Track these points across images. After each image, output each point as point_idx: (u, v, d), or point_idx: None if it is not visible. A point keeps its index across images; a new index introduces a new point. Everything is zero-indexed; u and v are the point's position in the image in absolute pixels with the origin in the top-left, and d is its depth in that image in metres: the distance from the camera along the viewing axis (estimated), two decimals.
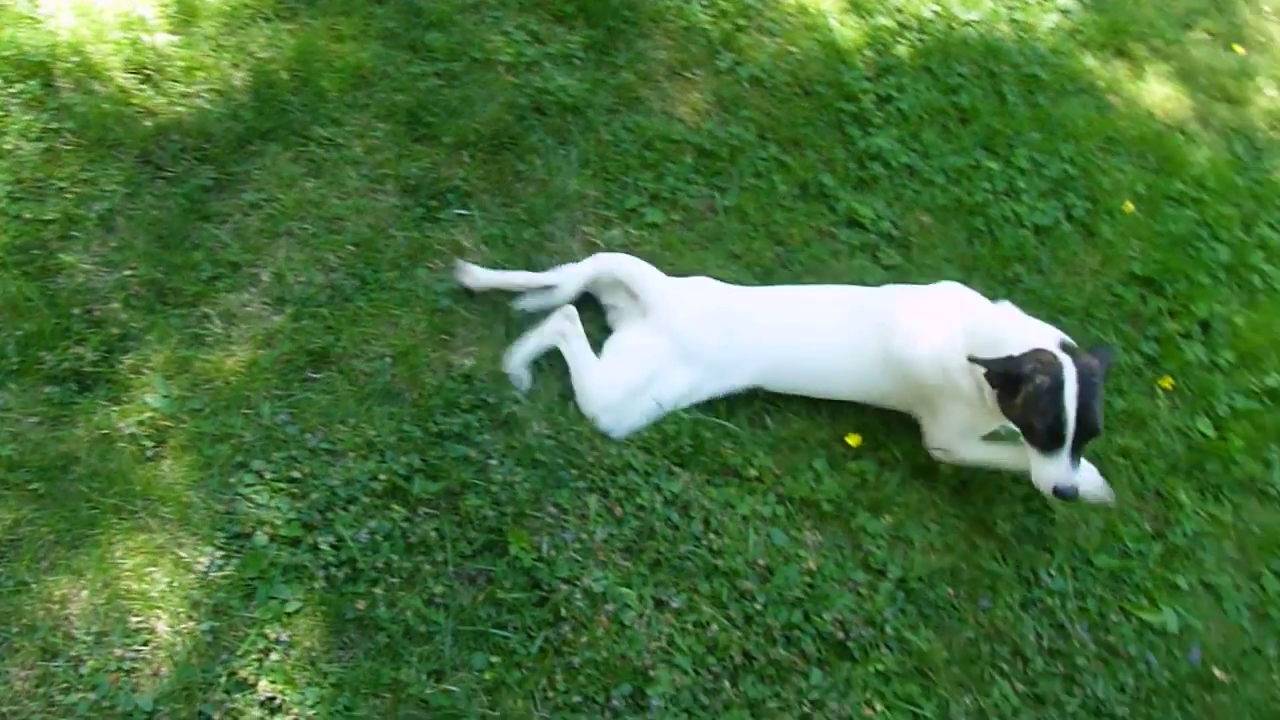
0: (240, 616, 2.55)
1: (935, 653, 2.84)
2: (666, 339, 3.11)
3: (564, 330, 3.13)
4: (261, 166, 3.44)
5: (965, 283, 3.67)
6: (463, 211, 3.47)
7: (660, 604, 2.77)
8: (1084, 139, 4.27)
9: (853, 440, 3.20)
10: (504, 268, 3.34)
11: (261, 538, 2.66)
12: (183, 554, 2.63)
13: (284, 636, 2.53)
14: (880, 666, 2.78)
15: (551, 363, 3.16)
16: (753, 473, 3.07)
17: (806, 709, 2.67)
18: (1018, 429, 2.88)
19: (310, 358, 3.03)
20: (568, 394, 3.11)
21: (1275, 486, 3.50)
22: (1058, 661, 2.95)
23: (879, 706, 2.72)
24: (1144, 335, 3.78)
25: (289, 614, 2.56)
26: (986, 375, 2.84)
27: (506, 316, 3.24)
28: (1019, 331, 2.92)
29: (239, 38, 3.72)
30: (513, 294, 3.27)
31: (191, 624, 2.53)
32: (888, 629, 2.84)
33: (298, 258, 3.26)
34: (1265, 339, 3.82)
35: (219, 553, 2.64)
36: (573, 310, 3.15)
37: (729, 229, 3.65)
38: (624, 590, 2.75)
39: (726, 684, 2.67)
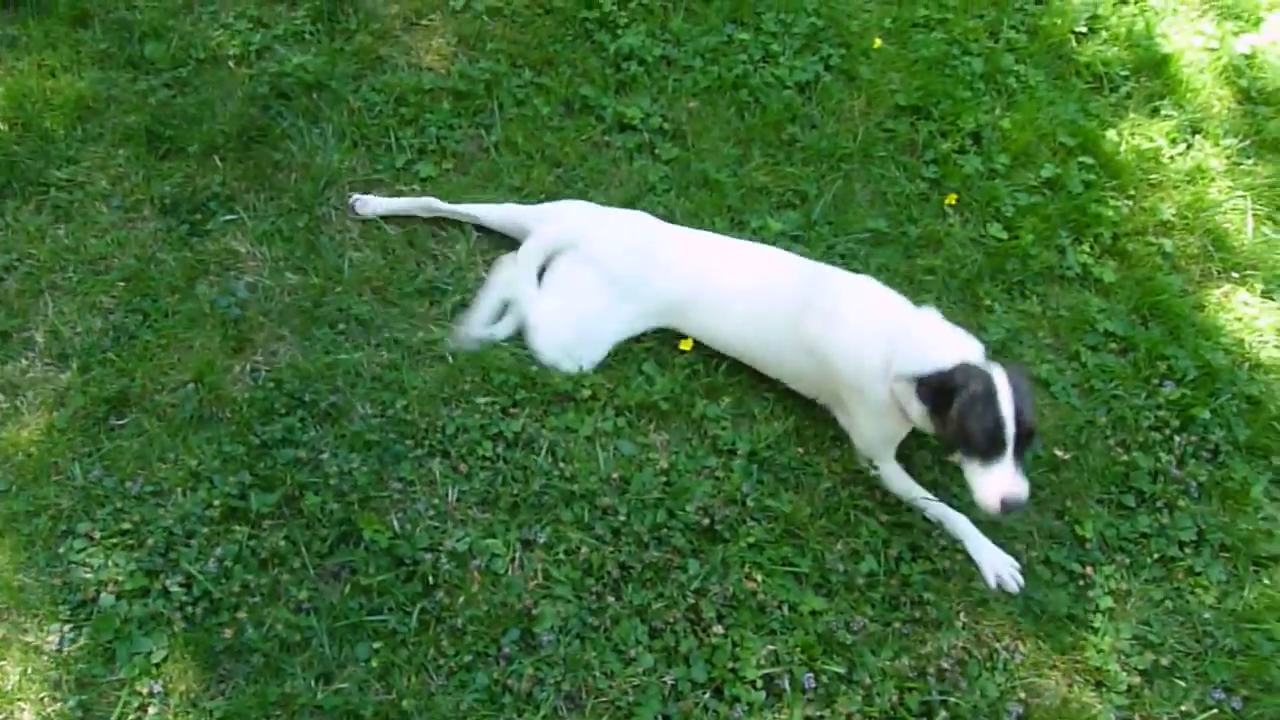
0: (106, 682, 2.48)
1: (799, 511, 2.93)
2: (597, 271, 3.16)
3: (514, 276, 3.19)
4: (3, 226, 3.26)
5: (744, 155, 3.77)
6: (229, 217, 3.36)
7: (528, 544, 2.78)
8: None
9: (685, 345, 3.24)
10: (289, 261, 3.27)
11: (108, 598, 2.58)
12: (29, 639, 2.53)
13: (157, 688, 2.46)
14: (751, 539, 2.85)
15: (352, 339, 3.11)
16: (586, 393, 3.09)
17: (691, 599, 2.72)
18: (954, 444, 2.82)
19: (109, 406, 2.91)
20: (384, 369, 3.07)
21: (1072, 269, 3.68)
22: None
23: (759, 577, 2.79)
24: (923, 161, 3.89)
25: (156, 665, 2.49)
26: (918, 390, 2.81)
27: (299, 309, 3.17)
28: (944, 343, 2.89)
29: None
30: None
31: (58, 704, 2.44)
32: (749, 502, 2.91)
33: (69, 309, 3.11)
34: (1032, 135, 3.98)
35: (67, 626, 2.55)
36: (510, 256, 3.20)
37: (504, 164, 3.61)
38: (488, 541, 2.76)
39: (610, 599, 2.71)
